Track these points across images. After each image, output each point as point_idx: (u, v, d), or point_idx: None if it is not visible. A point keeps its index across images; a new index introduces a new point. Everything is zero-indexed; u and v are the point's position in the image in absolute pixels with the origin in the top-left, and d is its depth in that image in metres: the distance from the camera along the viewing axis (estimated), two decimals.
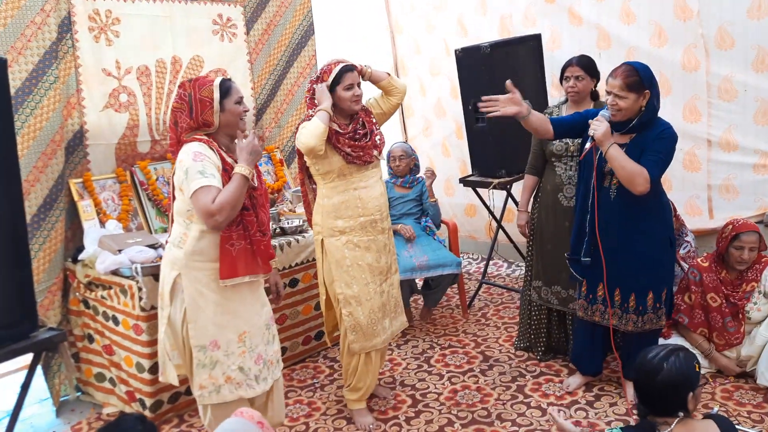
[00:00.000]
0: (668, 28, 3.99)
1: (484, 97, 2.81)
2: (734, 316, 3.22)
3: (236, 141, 2.42)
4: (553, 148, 3.37)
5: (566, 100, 3.47)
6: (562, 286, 3.41)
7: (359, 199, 2.94)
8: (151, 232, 3.71)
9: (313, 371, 3.70)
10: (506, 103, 2.77)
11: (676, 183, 4.18)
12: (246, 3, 4.35)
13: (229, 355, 2.42)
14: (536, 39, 4.06)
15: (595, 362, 3.26)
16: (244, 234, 2.39)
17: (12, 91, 2.90)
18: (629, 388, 3.13)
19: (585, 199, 2.92)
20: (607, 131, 2.74)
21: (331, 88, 2.86)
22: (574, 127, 3.00)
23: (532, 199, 3.63)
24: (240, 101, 2.44)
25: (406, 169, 4.15)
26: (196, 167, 2.28)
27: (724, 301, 3.22)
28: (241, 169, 2.32)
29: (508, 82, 2.80)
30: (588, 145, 2.79)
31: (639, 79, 2.72)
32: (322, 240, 2.97)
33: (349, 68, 2.88)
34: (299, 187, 4.55)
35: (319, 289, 3.14)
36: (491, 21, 4.78)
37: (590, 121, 2.80)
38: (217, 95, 2.37)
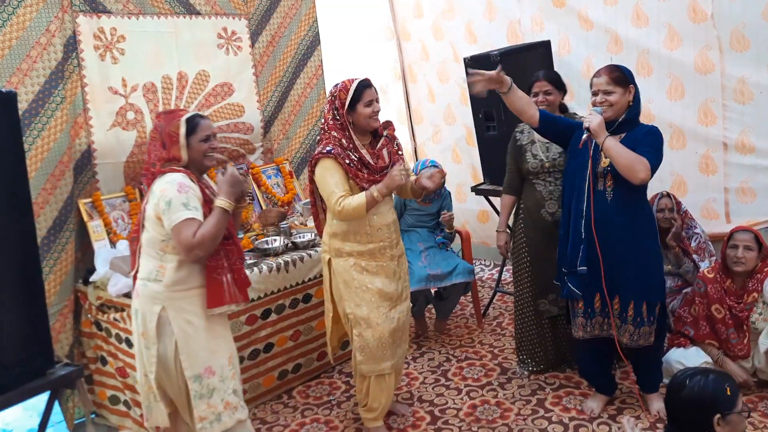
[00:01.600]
0: (681, 30, 3.93)
1: (470, 71, 2.86)
2: (737, 328, 3.17)
3: (217, 175, 2.47)
4: (529, 166, 3.33)
5: None
6: (557, 292, 3.30)
7: (369, 226, 2.87)
8: None
9: (328, 387, 3.65)
10: (489, 82, 2.79)
11: (692, 186, 4.13)
12: (251, 15, 4.31)
13: (224, 379, 2.43)
14: (546, 46, 4.02)
15: (608, 379, 3.20)
16: (228, 263, 2.42)
17: (19, 113, 2.87)
18: (648, 402, 3.11)
19: (579, 203, 2.85)
20: (602, 122, 2.72)
21: (351, 106, 2.80)
22: (560, 130, 2.98)
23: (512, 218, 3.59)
24: (208, 138, 2.44)
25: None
26: (180, 199, 2.29)
27: (727, 312, 3.18)
28: (221, 202, 2.35)
29: (496, 60, 2.88)
30: (584, 137, 2.74)
31: (622, 74, 2.80)
32: (330, 259, 2.95)
33: (367, 84, 2.83)
34: (309, 199, 4.56)
35: (325, 305, 3.10)
36: (500, 26, 4.73)
37: (583, 117, 2.80)
38: (183, 131, 2.39)
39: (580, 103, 4.23)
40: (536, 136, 3.31)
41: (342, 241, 2.89)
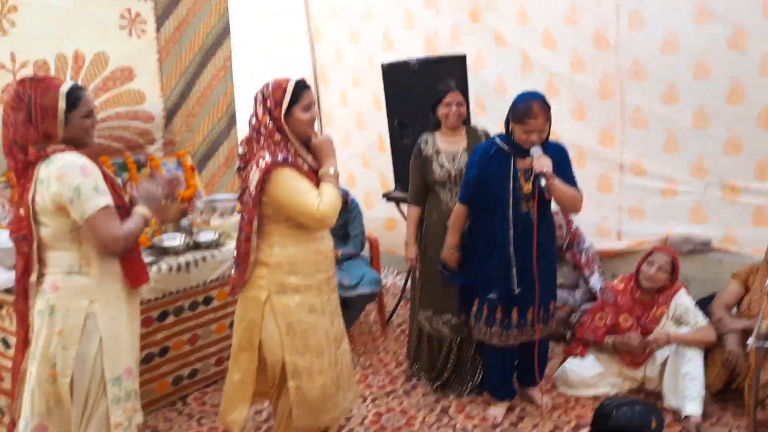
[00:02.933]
0: (587, 57, 4.14)
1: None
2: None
3: (140, 181, 2.33)
4: (436, 176, 3.28)
5: (438, 127, 3.36)
6: (453, 313, 3.32)
7: (317, 252, 2.49)
8: None
9: None
10: None
11: (590, 204, 4.28)
12: None
13: (135, 379, 2.27)
14: (462, 60, 4.07)
15: (511, 385, 3.30)
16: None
17: None
18: (536, 393, 3.30)
19: (505, 230, 2.90)
20: (551, 166, 2.78)
21: (287, 110, 2.39)
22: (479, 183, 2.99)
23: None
24: (89, 114, 2.16)
25: None
26: (89, 184, 2.06)
27: (635, 322, 3.34)
28: (143, 210, 2.23)
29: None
30: (544, 183, 2.76)
31: (550, 109, 2.85)
32: (268, 297, 2.43)
33: (306, 84, 2.45)
34: (212, 196, 4.35)
35: (239, 357, 2.54)
36: (417, 36, 4.77)
37: (533, 161, 2.79)
38: (62, 105, 2.08)
39: (493, 118, 4.35)
40: (441, 146, 3.31)
41: (288, 274, 2.43)
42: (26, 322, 2.24)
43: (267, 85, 2.43)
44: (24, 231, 2.14)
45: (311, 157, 2.48)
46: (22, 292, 2.20)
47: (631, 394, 3.39)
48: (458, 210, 3.09)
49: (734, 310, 3.33)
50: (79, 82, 3.70)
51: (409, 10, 4.78)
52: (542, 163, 2.76)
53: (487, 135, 3.34)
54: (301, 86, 2.42)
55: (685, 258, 4.06)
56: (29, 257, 2.16)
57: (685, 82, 3.89)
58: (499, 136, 2.97)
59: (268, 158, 2.33)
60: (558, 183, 2.80)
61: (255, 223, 2.40)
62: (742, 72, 3.72)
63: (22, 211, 2.13)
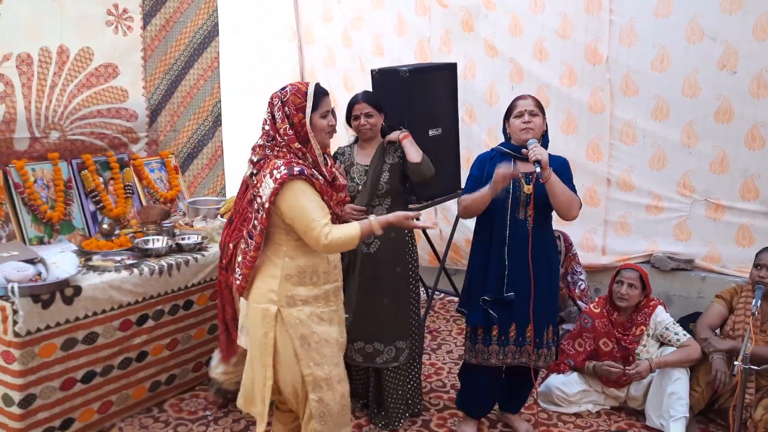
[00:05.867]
0: (578, 70, 4.15)
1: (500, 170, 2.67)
2: (624, 359, 3.30)
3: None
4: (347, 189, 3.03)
5: (356, 140, 3.26)
6: (366, 341, 3.13)
7: (327, 263, 2.39)
8: (25, 242, 3.27)
9: (204, 401, 3.41)
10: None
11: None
12: None
13: None
14: (452, 68, 4.05)
15: (488, 404, 3.21)
16: None
17: None
18: (516, 424, 3.19)
19: (501, 230, 2.84)
20: (547, 156, 2.70)
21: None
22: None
23: None
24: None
25: None
26: None
27: (615, 345, 3.32)
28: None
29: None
30: (538, 170, 2.67)
31: (540, 103, 2.86)
32: (278, 311, 2.33)
33: (325, 91, 2.34)
34: (197, 198, 4.27)
35: (260, 373, 2.39)
36: (409, 42, 4.74)
37: (529, 151, 2.71)
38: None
39: (482, 127, 4.34)
40: (356, 158, 3.17)
41: (297, 285, 2.34)
42: None
43: (284, 90, 2.30)
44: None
45: (329, 166, 2.39)
46: None
47: (614, 412, 3.39)
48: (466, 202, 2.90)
49: (718, 331, 3.33)
50: (62, 77, 3.63)
51: (402, 17, 4.75)
52: (538, 151, 2.69)
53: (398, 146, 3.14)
54: (320, 92, 2.32)
55: (667, 276, 4.10)
56: None
57: (674, 99, 3.92)
58: (500, 144, 2.92)
59: (284, 171, 2.22)
60: (555, 177, 2.71)
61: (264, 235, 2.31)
62: (731, 91, 3.76)
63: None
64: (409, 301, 3.20)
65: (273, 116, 2.30)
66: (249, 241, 2.34)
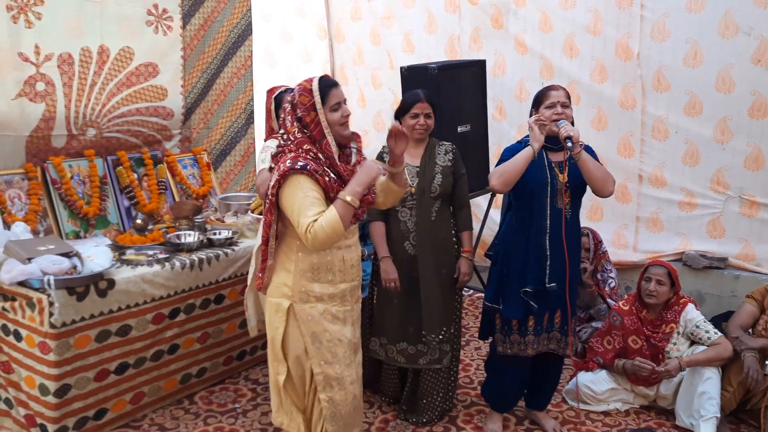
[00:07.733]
0: (609, 66, 4.11)
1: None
2: (654, 357, 3.26)
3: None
4: None
5: None
6: (409, 342, 3.09)
7: (343, 261, 2.36)
8: (62, 237, 3.38)
9: (233, 394, 3.48)
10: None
11: (607, 213, 4.31)
12: None
13: None
14: (481, 65, 4.06)
15: (516, 397, 3.20)
16: None
17: None
18: (543, 421, 3.17)
19: (541, 220, 2.81)
20: (578, 132, 2.67)
21: (316, 111, 2.25)
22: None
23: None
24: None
25: None
26: None
27: (644, 342, 3.27)
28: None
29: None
30: (570, 144, 2.64)
31: (569, 94, 2.84)
32: (291, 306, 2.34)
33: (332, 82, 2.29)
34: (228, 194, 4.35)
35: (272, 368, 2.45)
36: (439, 40, 4.76)
37: (560, 130, 2.68)
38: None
39: (512, 123, 4.33)
40: (405, 159, 3.07)
41: (311, 281, 2.33)
42: None
43: (293, 94, 2.29)
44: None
45: (352, 164, 2.34)
46: None
47: (643, 411, 3.35)
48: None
49: (750, 331, 3.26)
50: (102, 76, 3.73)
51: (432, 14, 4.76)
52: (569, 128, 2.66)
53: (453, 149, 3.11)
54: (326, 85, 2.26)
55: (700, 274, 4.03)
56: None
57: (707, 95, 3.85)
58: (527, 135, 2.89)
59: (288, 163, 2.21)
60: (586, 154, 2.67)
61: (274, 227, 2.31)
62: (766, 87, 3.67)
63: None
64: (453, 304, 3.17)
65: (285, 123, 2.31)
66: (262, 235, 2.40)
